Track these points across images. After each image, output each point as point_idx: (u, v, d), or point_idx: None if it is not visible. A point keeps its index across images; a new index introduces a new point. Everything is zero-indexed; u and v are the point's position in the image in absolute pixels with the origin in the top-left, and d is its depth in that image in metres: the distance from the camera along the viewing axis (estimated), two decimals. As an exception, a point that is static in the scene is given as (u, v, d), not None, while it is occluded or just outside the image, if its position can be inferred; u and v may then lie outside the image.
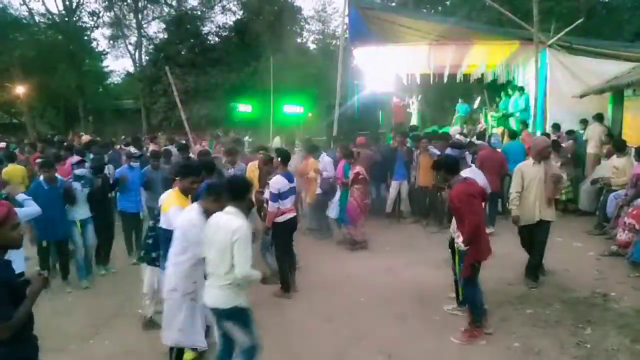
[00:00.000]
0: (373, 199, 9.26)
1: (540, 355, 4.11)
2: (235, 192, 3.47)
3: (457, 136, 10.90)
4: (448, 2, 25.18)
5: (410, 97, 16.13)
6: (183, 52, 26.13)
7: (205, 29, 28.69)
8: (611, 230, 7.06)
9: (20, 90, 22.69)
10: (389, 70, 13.26)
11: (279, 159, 6.29)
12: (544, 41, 10.47)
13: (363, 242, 7.45)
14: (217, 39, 28.44)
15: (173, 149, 10.30)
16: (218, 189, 3.67)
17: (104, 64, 31.95)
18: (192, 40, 26.31)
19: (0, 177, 7.11)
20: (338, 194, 7.56)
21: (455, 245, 4.54)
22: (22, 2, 26.29)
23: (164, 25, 29.09)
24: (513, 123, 12.54)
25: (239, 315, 3.39)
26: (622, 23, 19.20)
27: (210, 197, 3.64)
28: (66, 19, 27.30)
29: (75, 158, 6.96)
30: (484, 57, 11.96)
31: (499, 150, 8.81)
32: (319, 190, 7.80)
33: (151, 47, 29.47)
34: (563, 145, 9.04)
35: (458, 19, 14.02)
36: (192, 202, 4.17)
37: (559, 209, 7.45)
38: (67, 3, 27.21)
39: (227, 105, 23.08)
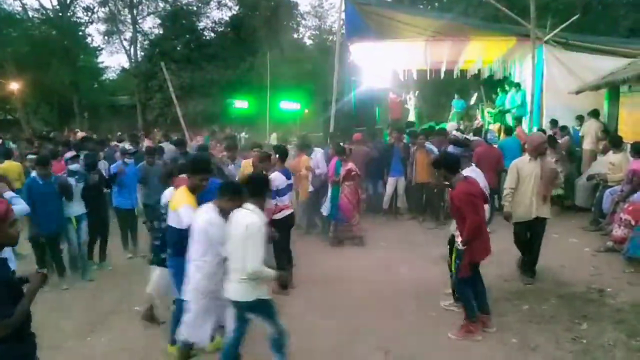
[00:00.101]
0: (370, 195, 9.27)
1: (537, 351, 4.13)
2: (254, 189, 3.57)
3: (454, 132, 10.91)
4: (444, -2, 25.14)
5: (408, 93, 16.13)
6: (179, 48, 26.02)
7: (201, 25, 28.63)
8: (607, 226, 7.09)
9: (14, 86, 22.52)
10: (386, 66, 13.26)
11: (277, 155, 6.28)
12: (540, 37, 10.47)
13: (359, 238, 7.46)
14: (213, 34, 28.37)
15: (167, 145, 10.30)
16: (233, 188, 3.70)
17: (99, 59, 31.74)
18: (187, 36, 26.20)
19: None
20: (330, 191, 7.57)
21: (455, 243, 4.53)
22: (15, -2, 26.11)
23: (159, 21, 28.98)
24: (509, 119, 12.56)
25: (261, 307, 3.50)
26: (618, 19, 19.25)
27: (225, 196, 3.64)
28: (60, 14, 27.11)
29: (70, 153, 6.93)
30: (480, 53, 11.97)
31: (495, 146, 8.82)
32: (310, 188, 7.81)
33: (146, 42, 29.35)
34: (559, 141, 9.05)
35: (455, 15, 13.98)
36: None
37: (554, 205, 7.47)
38: (61, -2, 27.01)
39: (224, 101, 23.03)
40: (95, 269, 6.76)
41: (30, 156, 7.75)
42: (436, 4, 24.84)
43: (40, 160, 6.17)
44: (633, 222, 6.08)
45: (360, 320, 4.87)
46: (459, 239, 4.45)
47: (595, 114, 9.57)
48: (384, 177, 9.02)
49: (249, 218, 3.39)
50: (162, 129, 18.87)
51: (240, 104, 22.19)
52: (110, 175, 7.18)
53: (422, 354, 4.23)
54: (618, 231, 6.31)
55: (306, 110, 21.74)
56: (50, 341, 4.29)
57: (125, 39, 30.43)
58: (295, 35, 30.43)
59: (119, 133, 17.82)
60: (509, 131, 9.70)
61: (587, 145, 9.44)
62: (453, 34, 11.39)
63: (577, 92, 9.92)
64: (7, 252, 3.56)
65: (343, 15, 12.11)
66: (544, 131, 9.08)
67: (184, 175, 4.35)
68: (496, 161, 7.98)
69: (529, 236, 5.52)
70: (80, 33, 28.48)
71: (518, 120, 11.49)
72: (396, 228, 8.40)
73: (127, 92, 30.10)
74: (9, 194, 4.99)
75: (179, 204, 3.93)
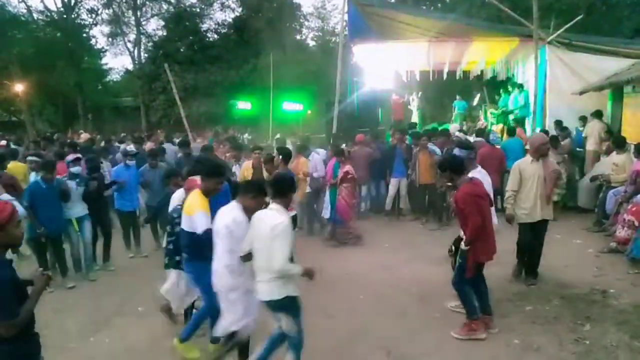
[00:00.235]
0: (372, 197, 9.28)
1: (540, 352, 4.13)
2: (280, 189, 3.61)
3: (457, 133, 10.90)
4: (447, -1, 25.12)
5: (410, 94, 16.13)
6: (182, 50, 26.11)
7: (204, 26, 28.70)
8: (610, 227, 7.08)
9: (19, 88, 22.63)
10: (389, 67, 13.26)
11: (280, 157, 6.29)
12: (543, 38, 10.45)
13: (358, 237, 7.47)
14: (216, 36, 28.43)
15: (169, 146, 10.40)
16: (257, 187, 3.78)
17: (103, 61, 31.94)
18: (191, 38, 26.29)
19: (6, 174, 7.10)
20: (327, 193, 7.59)
21: (460, 244, 4.53)
22: (20, 0, 26.25)
23: (162, 23, 29.10)
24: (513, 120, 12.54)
25: (290, 305, 3.56)
26: (622, 19, 19.16)
27: (249, 195, 3.69)
28: (64, 16, 27.24)
29: (72, 155, 6.99)
30: (483, 54, 11.96)
31: (498, 147, 8.81)
32: (308, 189, 7.83)
33: (150, 44, 29.46)
34: (562, 142, 9.02)
35: (457, 16, 13.95)
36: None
37: (558, 207, 7.45)
38: (66, 0, 27.14)
39: (227, 102, 23.06)
40: (98, 269, 6.80)
41: (30, 158, 7.60)
42: (439, 4, 24.81)
43: (46, 165, 6.25)
44: (636, 223, 6.07)
45: (361, 320, 4.88)
46: (463, 240, 4.44)
47: (598, 114, 9.54)
48: (386, 178, 9.03)
49: (275, 218, 3.43)
50: (166, 130, 18.94)
51: (243, 105, 22.21)
52: (110, 181, 7.27)
53: (424, 354, 4.23)
54: (621, 232, 6.30)
55: (309, 112, 21.75)
56: (54, 341, 4.32)
57: (129, 41, 30.64)
58: (298, 37, 30.47)
59: (123, 134, 17.89)
60: (511, 132, 9.69)
61: (590, 146, 9.41)
62: (456, 35, 11.38)
63: (581, 93, 9.89)
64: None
65: (346, 17, 12.13)
66: (546, 132, 9.07)
67: (195, 177, 4.37)
68: (499, 162, 7.98)
69: (531, 238, 5.49)
70: (85, 35, 28.64)
71: (517, 121, 11.48)
72: (398, 229, 8.40)
73: (131, 93, 30.23)
74: (5, 196, 5.03)
75: (194, 210, 3.91)
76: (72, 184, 6.29)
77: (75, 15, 28.07)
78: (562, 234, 7.11)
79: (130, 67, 31.43)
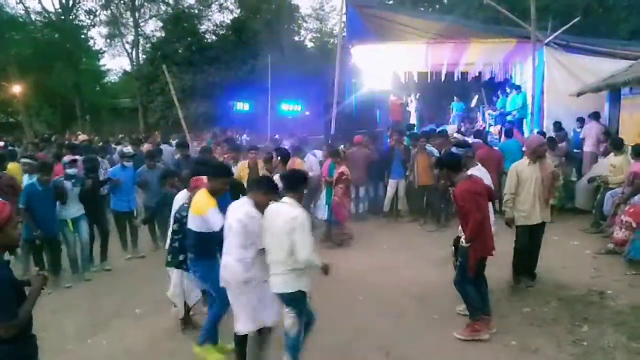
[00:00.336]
0: (371, 198, 9.28)
1: (538, 354, 4.13)
2: (292, 184, 3.74)
3: (455, 134, 10.92)
4: (445, 1, 25.20)
5: (409, 95, 16.14)
6: (180, 51, 26.05)
7: (203, 28, 28.63)
8: (608, 228, 7.09)
9: (16, 89, 22.61)
10: (387, 68, 13.27)
11: (279, 158, 6.30)
12: (541, 39, 10.48)
13: (350, 238, 7.51)
14: (214, 37, 28.36)
15: (165, 148, 10.46)
16: (268, 183, 3.90)
17: (101, 62, 32.00)
18: (189, 39, 26.23)
19: (6, 175, 7.08)
20: (323, 193, 7.60)
21: (460, 243, 4.54)
22: (18, 1, 26.36)
23: (161, 24, 29.03)
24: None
25: (299, 300, 3.64)
26: (619, 21, 19.23)
27: (261, 191, 3.78)
28: (62, 17, 27.23)
29: (68, 157, 7.02)
30: (481, 56, 11.97)
31: (495, 148, 8.84)
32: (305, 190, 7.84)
33: (148, 45, 29.40)
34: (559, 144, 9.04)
35: (455, 17, 14.00)
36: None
37: (555, 208, 7.46)
38: (64, 1, 27.12)
39: (225, 103, 23.03)
40: (95, 270, 6.79)
41: (23, 160, 7.38)
42: (437, 6, 24.89)
43: (45, 166, 6.26)
44: (634, 225, 6.08)
45: (360, 321, 4.88)
46: (463, 238, 4.45)
47: (596, 116, 9.57)
48: (384, 180, 9.04)
49: (292, 211, 3.53)
50: (163, 132, 18.93)
51: (242, 106, 22.21)
52: (105, 177, 7.31)
53: (422, 355, 4.23)
54: (619, 233, 6.31)
55: (307, 113, 21.76)
56: (52, 343, 4.30)
57: (127, 42, 30.62)
58: (297, 38, 30.44)
59: (121, 135, 17.88)
60: (509, 133, 9.71)
61: (587, 147, 9.43)
62: (454, 37, 11.41)
63: (578, 94, 9.91)
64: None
65: (344, 18, 12.16)
66: (544, 133, 9.09)
67: (200, 177, 4.38)
68: (497, 163, 7.99)
69: (529, 240, 5.47)
70: (83, 36, 28.63)
71: (511, 122, 11.53)
72: (397, 230, 8.40)
73: (129, 94, 30.21)
74: None
75: (205, 209, 3.92)
76: (67, 184, 6.31)
77: (73, 16, 28.05)
78: (560, 235, 7.12)
79: (128, 68, 31.50)
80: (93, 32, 30.91)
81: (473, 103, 16.69)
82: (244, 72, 24.48)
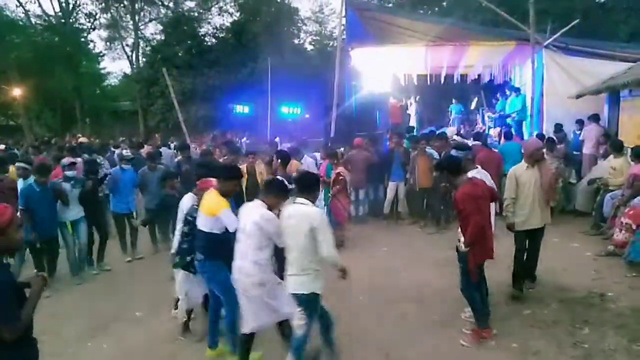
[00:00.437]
0: (371, 201, 9.28)
1: (538, 356, 4.12)
2: (305, 185, 3.78)
3: (454, 137, 10.93)
4: (444, 3, 25.25)
5: (408, 98, 16.15)
6: (180, 54, 26.09)
7: (202, 31, 28.66)
8: (608, 230, 7.09)
9: (16, 92, 22.65)
10: (386, 71, 13.29)
11: (279, 160, 6.30)
12: (540, 42, 10.50)
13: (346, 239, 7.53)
14: (214, 40, 28.40)
15: (165, 150, 10.52)
16: (279, 186, 3.98)
17: (101, 65, 32.04)
18: (189, 42, 26.26)
19: (7, 178, 7.07)
20: (321, 194, 7.60)
21: (458, 246, 4.52)
22: (18, 4, 26.30)
23: (161, 27, 29.10)
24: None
25: (312, 302, 3.68)
26: (618, 23, 19.29)
27: (273, 194, 3.86)
28: (62, 20, 27.29)
29: (67, 159, 7.03)
30: (480, 58, 11.99)
31: (495, 150, 8.84)
32: None
33: (148, 48, 29.45)
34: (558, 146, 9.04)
35: (454, 20, 14.03)
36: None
37: (554, 210, 7.45)
38: (64, 5, 27.18)
39: (225, 106, 23.06)
40: (96, 273, 6.79)
41: (18, 164, 7.03)
42: (436, 9, 24.93)
43: (42, 168, 6.26)
44: (634, 226, 6.08)
45: (360, 323, 4.87)
46: (461, 241, 4.43)
47: (595, 118, 9.57)
48: (384, 182, 9.04)
49: (310, 210, 3.60)
50: (162, 135, 18.93)
51: (242, 109, 22.24)
52: (104, 174, 7.42)
53: (422, 357, 4.23)
54: (619, 235, 6.31)
55: (307, 115, 21.79)
56: (52, 347, 4.30)
57: (127, 45, 30.70)
58: (296, 41, 30.47)
59: (122, 138, 17.89)
60: (508, 136, 9.72)
61: (587, 149, 9.43)
62: (453, 39, 11.43)
63: (577, 97, 9.92)
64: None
65: (344, 21, 12.18)
66: (543, 136, 9.10)
67: (209, 179, 4.40)
68: (497, 166, 7.99)
69: (529, 244, 5.44)
70: (83, 39, 28.68)
71: (508, 125, 11.58)
72: (397, 233, 8.40)
73: (129, 97, 30.24)
74: None
75: (217, 210, 3.94)
76: (67, 186, 6.31)
77: (74, 19, 28.12)
78: (560, 237, 7.12)
79: (128, 71, 31.55)
80: (93, 35, 30.97)
81: (472, 105, 16.70)
82: (244, 75, 24.51)
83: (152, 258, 7.39)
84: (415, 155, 8.52)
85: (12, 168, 8.40)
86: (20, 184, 6.68)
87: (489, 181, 5.00)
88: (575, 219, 8.33)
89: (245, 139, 17.43)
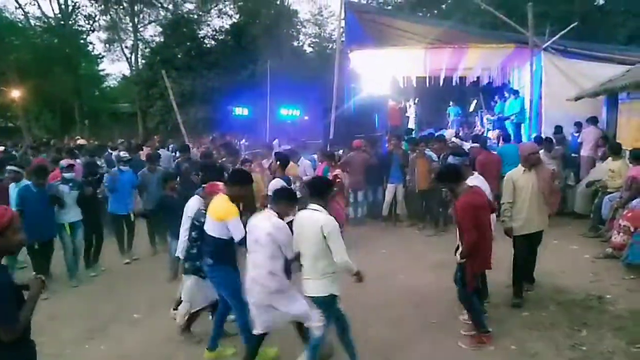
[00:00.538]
0: (369, 202, 9.29)
1: (536, 358, 4.12)
2: (318, 191, 3.82)
3: (453, 139, 10.94)
4: (443, 6, 25.34)
5: (407, 100, 16.16)
6: (179, 56, 26.12)
7: (202, 33, 28.73)
8: (606, 232, 7.10)
9: (15, 93, 22.64)
10: (385, 73, 13.30)
11: (278, 162, 6.31)
12: (539, 44, 10.53)
13: None
14: (213, 42, 28.45)
15: (163, 152, 10.53)
16: (288, 194, 4.03)
17: (100, 67, 32.01)
18: (188, 44, 26.30)
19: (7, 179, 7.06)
20: None
21: (457, 256, 4.47)
22: (17, 6, 26.32)
23: (160, 29, 29.13)
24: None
25: (330, 304, 3.71)
26: (616, 26, 19.37)
27: (282, 202, 3.87)
28: (62, 22, 27.30)
29: (65, 161, 7.01)
30: (479, 61, 12.02)
31: (494, 152, 8.85)
32: (298, 194, 7.85)
33: (147, 50, 29.49)
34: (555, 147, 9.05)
35: (453, 23, 14.07)
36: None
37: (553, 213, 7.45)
38: (63, 7, 27.19)
39: (224, 108, 23.08)
40: (94, 275, 6.79)
41: (9, 167, 6.87)
42: (435, 11, 25.02)
43: (40, 170, 6.25)
44: (632, 229, 6.09)
45: (358, 326, 4.84)
46: (458, 253, 4.39)
47: (594, 120, 9.59)
48: (383, 184, 9.05)
49: (322, 217, 3.60)
50: (161, 136, 18.91)
51: (241, 111, 22.27)
52: (101, 173, 7.49)
53: (421, 361, 4.22)
54: (617, 237, 6.31)
55: (306, 117, 21.82)
56: (49, 349, 4.29)
57: (126, 47, 30.71)
58: (295, 43, 30.54)
59: (121, 140, 17.86)
60: (507, 138, 9.73)
61: (585, 151, 9.45)
62: (452, 42, 11.45)
63: (576, 99, 9.94)
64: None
65: (343, 23, 12.20)
66: (541, 138, 9.11)
67: (216, 183, 4.38)
68: (496, 167, 8.00)
69: (527, 248, 5.42)
70: (82, 41, 28.67)
71: (504, 128, 11.59)
72: (395, 235, 8.40)
73: (128, 99, 30.25)
74: None
75: (228, 216, 3.90)
76: (65, 188, 6.30)
77: (73, 21, 28.13)
78: (558, 239, 7.12)
79: (127, 73, 31.58)
80: (92, 37, 30.97)
81: (471, 108, 16.72)
82: (243, 77, 24.54)
83: (149, 259, 7.39)
84: (414, 158, 8.53)
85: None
86: (12, 187, 6.53)
87: (487, 189, 4.96)
88: (574, 221, 8.34)
89: (244, 141, 17.44)
